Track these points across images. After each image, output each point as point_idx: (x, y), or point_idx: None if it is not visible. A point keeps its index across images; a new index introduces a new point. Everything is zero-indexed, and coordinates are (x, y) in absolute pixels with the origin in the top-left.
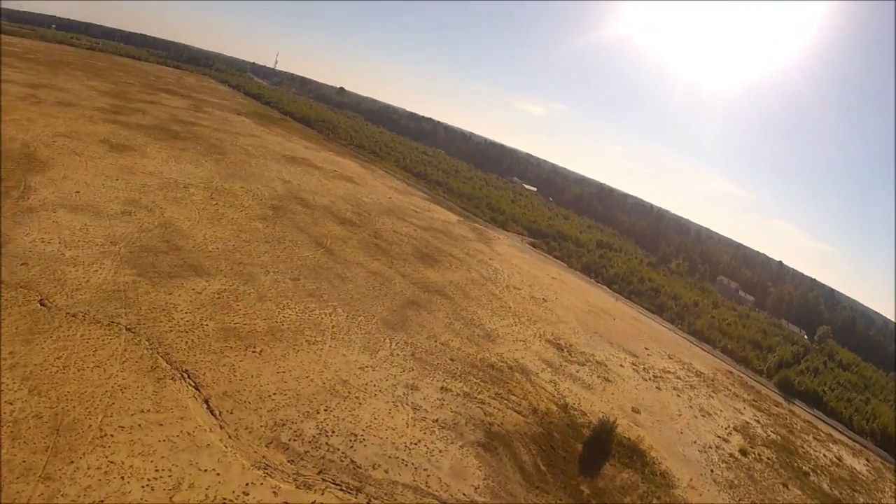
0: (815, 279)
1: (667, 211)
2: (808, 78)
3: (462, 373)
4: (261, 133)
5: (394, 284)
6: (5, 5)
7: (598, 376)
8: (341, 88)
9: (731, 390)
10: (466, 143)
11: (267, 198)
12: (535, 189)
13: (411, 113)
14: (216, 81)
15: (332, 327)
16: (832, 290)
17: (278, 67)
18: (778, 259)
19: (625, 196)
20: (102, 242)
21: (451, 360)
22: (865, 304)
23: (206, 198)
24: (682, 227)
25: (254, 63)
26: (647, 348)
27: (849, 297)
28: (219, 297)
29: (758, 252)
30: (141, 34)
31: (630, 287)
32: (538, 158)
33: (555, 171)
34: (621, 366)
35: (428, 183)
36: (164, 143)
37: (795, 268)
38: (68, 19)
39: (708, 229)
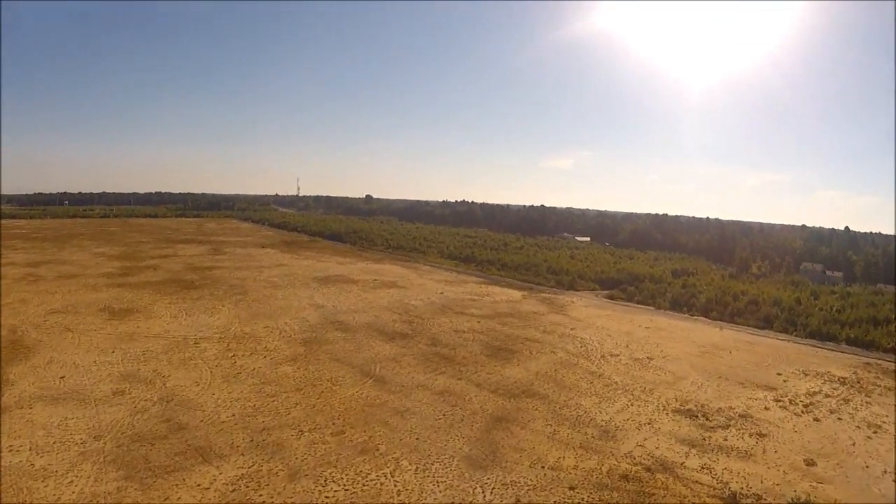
0: (882, 233)
1: (721, 220)
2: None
3: (592, 503)
4: (288, 261)
5: (469, 401)
6: (7, 191)
7: (750, 434)
8: (368, 196)
9: (881, 384)
10: (506, 214)
11: (297, 332)
12: (588, 239)
13: (443, 201)
14: (238, 220)
15: (399, 493)
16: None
17: (301, 193)
18: (843, 227)
19: (677, 217)
20: (83, 439)
21: (572, 488)
22: None
23: (222, 350)
24: (744, 229)
25: (276, 194)
26: (779, 374)
27: None
28: (234, 490)
29: (819, 227)
30: (156, 192)
31: (728, 309)
32: (581, 209)
33: (601, 215)
34: (766, 408)
35: (479, 265)
36: (175, 296)
37: (861, 230)
38: (79, 193)
39: (762, 223)
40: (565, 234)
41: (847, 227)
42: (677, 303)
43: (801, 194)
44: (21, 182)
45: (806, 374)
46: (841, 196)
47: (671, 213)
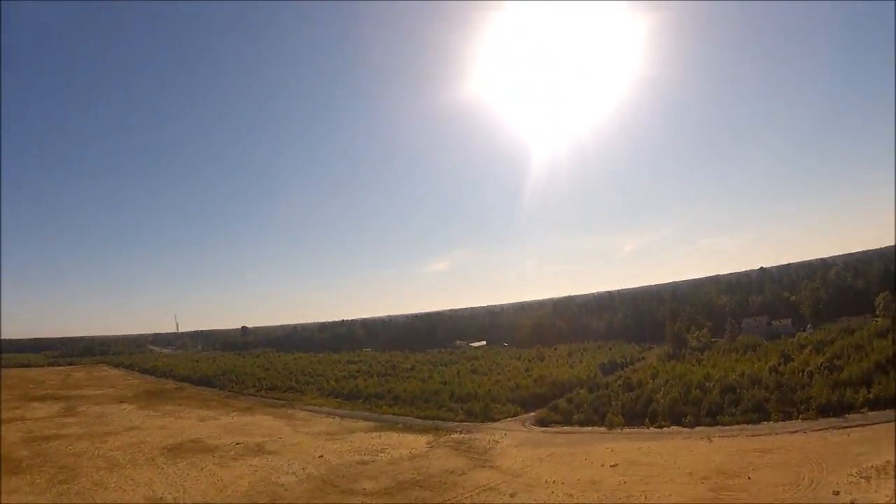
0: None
1: (620, 290)
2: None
3: None
4: (142, 422)
5: None
6: None
7: None
8: (243, 328)
9: None
10: (390, 329)
11: None
12: (484, 343)
13: (322, 323)
14: (110, 367)
15: None
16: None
17: (181, 329)
18: (757, 266)
19: (573, 298)
20: None
21: None
22: None
23: None
24: (654, 296)
25: (156, 333)
26: (835, 491)
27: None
28: None
29: (708, 276)
30: (36, 339)
31: (702, 407)
32: (467, 309)
33: (491, 313)
34: None
35: (367, 401)
36: None
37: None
38: None
39: (658, 284)
40: (458, 341)
41: (762, 268)
42: (633, 413)
43: (684, 246)
44: None
45: (866, 477)
46: (722, 240)
47: (560, 294)
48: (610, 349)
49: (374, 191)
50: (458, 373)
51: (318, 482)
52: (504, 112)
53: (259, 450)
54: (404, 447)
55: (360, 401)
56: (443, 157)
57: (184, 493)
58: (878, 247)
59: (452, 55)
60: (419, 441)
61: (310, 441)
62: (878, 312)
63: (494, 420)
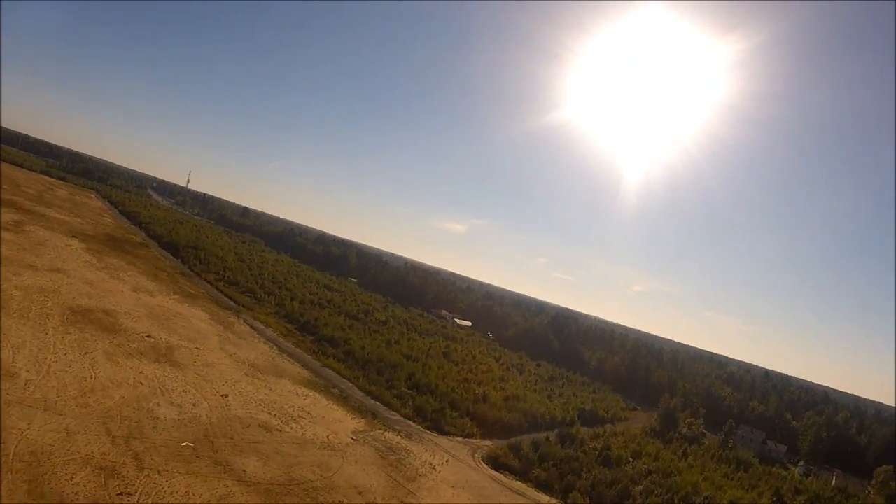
0: (826, 388)
1: (622, 328)
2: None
3: None
4: (75, 267)
5: None
6: None
7: None
8: (245, 209)
9: None
10: (383, 271)
11: None
12: (469, 324)
13: (321, 234)
14: (98, 196)
15: None
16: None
17: (191, 186)
18: (763, 365)
19: (575, 319)
20: None
21: None
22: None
23: None
24: (654, 353)
25: (164, 180)
26: None
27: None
28: None
29: (703, 350)
30: (49, 143)
31: None
32: (466, 279)
33: (489, 296)
34: None
35: (317, 343)
36: None
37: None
38: None
39: (650, 334)
40: (444, 312)
41: (766, 372)
42: (602, 500)
43: (687, 310)
44: None
45: None
46: (725, 320)
47: (556, 303)
48: (594, 393)
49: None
50: (429, 350)
51: (198, 433)
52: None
53: (165, 355)
54: (324, 427)
55: (311, 339)
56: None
57: (44, 374)
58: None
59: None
60: (346, 425)
61: (227, 368)
62: (874, 483)
63: (444, 433)
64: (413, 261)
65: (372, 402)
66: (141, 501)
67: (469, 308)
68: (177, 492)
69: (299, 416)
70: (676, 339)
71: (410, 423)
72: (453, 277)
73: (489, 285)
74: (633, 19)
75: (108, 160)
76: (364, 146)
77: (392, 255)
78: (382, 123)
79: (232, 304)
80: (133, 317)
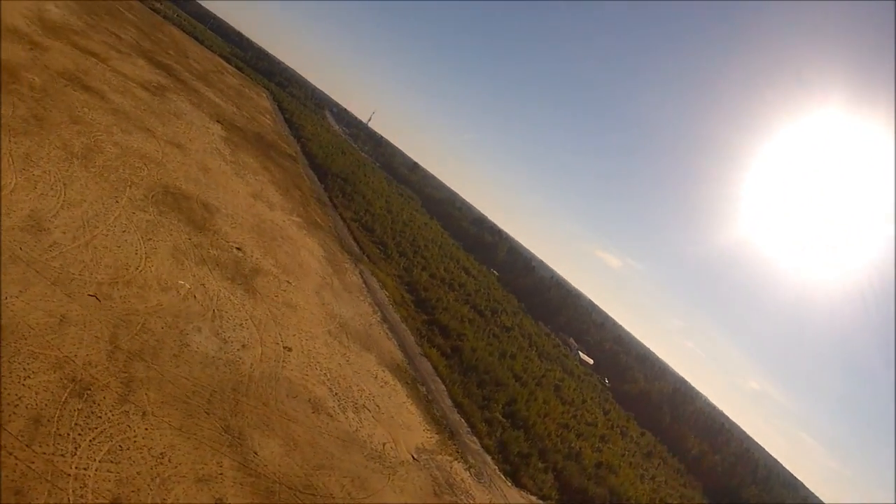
0: None
1: (725, 417)
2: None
3: None
4: (200, 148)
5: None
6: None
7: None
8: (415, 164)
9: None
10: (527, 275)
11: None
12: (591, 362)
13: (480, 216)
14: (269, 97)
15: None
16: None
17: (371, 125)
18: None
19: (690, 395)
20: None
21: None
22: None
23: None
24: (751, 465)
25: (346, 109)
26: None
27: None
28: None
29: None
30: (241, 33)
31: None
32: (602, 312)
33: (619, 340)
34: None
35: (429, 325)
36: None
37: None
38: None
39: (751, 438)
40: (571, 340)
41: None
42: None
43: (790, 425)
44: None
45: None
46: (813, 446)
47: (678, 367)
48: (684, 487)
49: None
50: (542, 377)
51: (226, 382)
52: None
53: (245, 277)
54: (387, 429)
55: (424, 319)
56: None
57: (81, 244)
58: None
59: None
60: (414, 436)
61: (311, 317)
62: None
63: (519, 484)
64: (559, 275)
65: (457, 416)
66: (88, 443)
67: (596, 345)
68: (149, 448)
69: (363, 406)
70: (770, 451)
71: (488, 458)
72: (591, 308)
73: (621, 327)
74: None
75: (294, 69)
76: (555, 148)
77: (541, 261)
78: (576, 133)
79: (356, 249)
80: (234, 222)
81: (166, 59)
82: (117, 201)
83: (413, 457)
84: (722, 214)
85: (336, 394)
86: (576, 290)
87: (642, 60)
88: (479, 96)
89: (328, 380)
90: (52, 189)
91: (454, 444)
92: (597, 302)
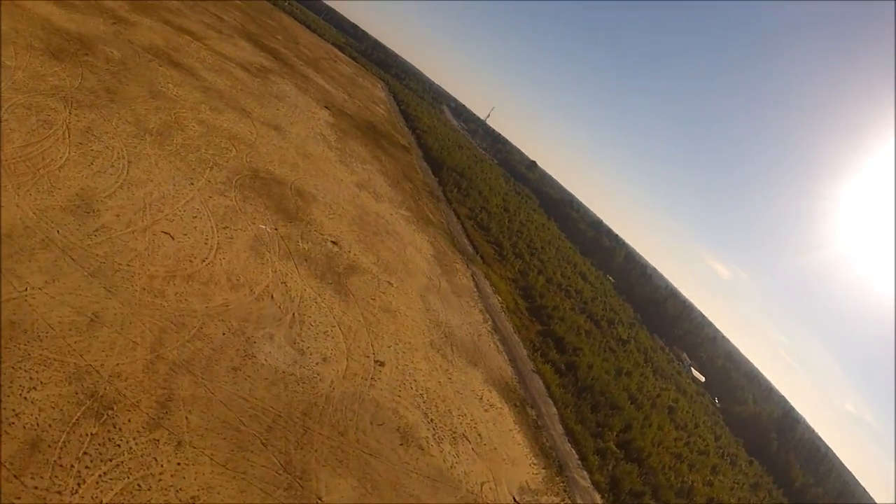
0: None
1: (828, 446)
2: None
3: None
4: (302, 132)
5: None
6: None
7: None
8: (533, 163)
9: None
10: (644, 284)
11: None
12: (703, 380)
13: (597, 220)
14: (385, 88)
15: None
16: None
17: (489, 122)
18: None
19: (796, 420)
20: None
21: None
22: None
23: None
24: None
25: (463, 104)
26: None
27: None
28: None
29: None
30: (354, 24)
31: None
32: (711, 325)
33: (729, 356)
34: None
35: (543, 336)
36: None
37: None
38: None
39: (847, 468)
40: (685, 356)
41: None
42: None
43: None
44: None
45: None
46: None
47: (781, 386)
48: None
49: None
50: (657, 398)
51: (294, 405)
52: None
53: (338, 275)
54: (488, 465)
55: (538, 329)
56: None
57: (136, 229)
58: None
59: None
60: (518, 472)
61: (412, 325)
62: None
63: None
64: (671, 284)
65: (567, 446)
66: (96, 478)
67: (709, 362)
68: (178, 490)
69: (463, 435)
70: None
71: (598, 497)
72: (702, 320)
73: (729, 342)
74: None
75: (411, 62)
76: (664, 150)
77: (654, 268)
78: (687, 139)
79: (469, 248)
80: (332, 212)
81: (273, 42)
82: (192, 183)
83: (515, 499)
84: (832, 225)
85: (432, 420)
86: (689, 300)
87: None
88: (599, 93)
89: (424, 402)
90: (112, 166)
91: (562, 482)
92: (706, 313)
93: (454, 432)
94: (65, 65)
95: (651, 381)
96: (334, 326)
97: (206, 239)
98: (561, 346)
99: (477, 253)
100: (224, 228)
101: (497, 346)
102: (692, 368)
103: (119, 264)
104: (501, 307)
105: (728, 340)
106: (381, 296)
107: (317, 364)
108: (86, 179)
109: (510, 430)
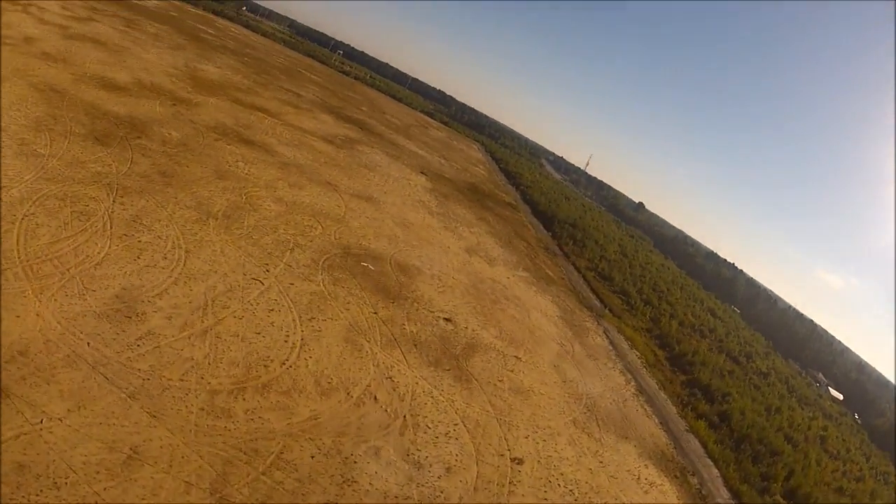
0: None
1: None
2: None
3: None
4: (398, 200)
5: None
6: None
7: None
8: (640, 204)
9: None
10: (770, 309)
11: None
12: (841, 398)
13: (711, 252)
14: (482, 149)
15: None
16: None
17: (588, 170)
18: None
19: None
20: None
21: None
22: None
23: None
24: None
25: (560, 157)
26: None
27: None
28: None
29: None
30: (440, 90)
31: None
32: (837, 341)
33: (860, 368)
34: None
35: (689, 387)
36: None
37: None
38: (361, 51)
39: None
40: (820, 376)
41: None
42: None
43: None
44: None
45: None
46: None
47: None
48: None
49: None
50: (808, 431)
51: None
52: None
53: (457, 358)
54: None
55: (683, 380)
56: None
57: (193, 331)
58: None
59: None
60: None
61: (550, 403)
62: None
63: None
64: (787, 302)
65: None
66: None
67: (842, 377)
68: None
69: None
70: None
71: None
72: (827, 336)
73: (853, 352)
74: None
75: (501, 121)
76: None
77: (771, 290)
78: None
79: (596, 302)
80: (441, 284)
81: (357, 114)
82: (268, 270)
83: None
84: None
85: None
86: (808, 317)
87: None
88: (687, 130)
89: (575, 500)
90: (164, 258)
91: None
92: (827, 327)
93: None
94: (111, 150)
95: (799, 413)
96: (457, 424)
97: (287, 336)
98: (709, 395)
99: (605, 306)
100: (310, 320)
101: (645, 410)
102: (829, 388)
103: (169, 380)
104: (641, 362)
105: (852, 351)
106: (510, 375)
107: (439, 478)
108: (129, 277)
109: None
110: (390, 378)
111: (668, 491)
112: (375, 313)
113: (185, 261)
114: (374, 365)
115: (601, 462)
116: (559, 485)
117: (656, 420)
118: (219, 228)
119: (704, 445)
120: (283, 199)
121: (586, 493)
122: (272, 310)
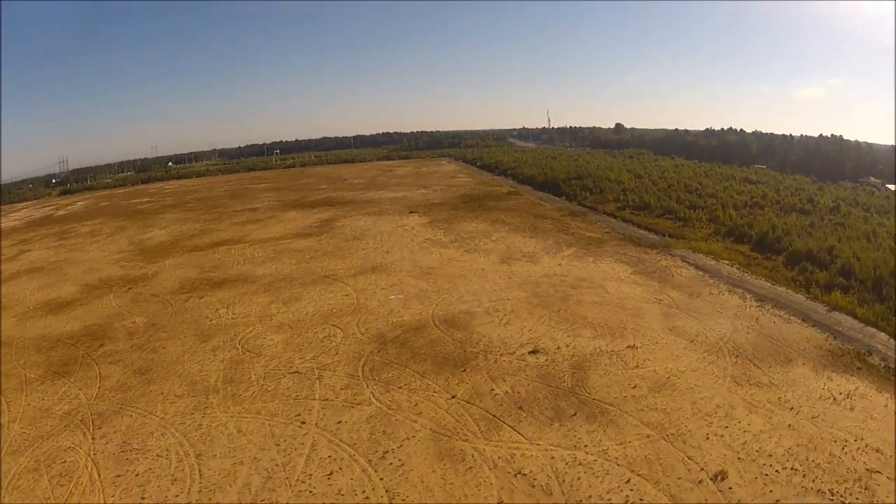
0: None
1: None
2: None
3: None
4: (404, 256)
5: None
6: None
7: None
8: (618, 125)
9: None
10: (791, 149)
11: None
12: (893, 188)
13: (707, 129)
14: (451, 160)
15: None
16: None
17: (553, 124)
18: None
19: None
20: None
21: None
22: None
23: None
24: None
25: (523, 127)
26: None
27: None
28: None
29: None
30: (385, 133)
31: None
32: (865, 142)
33: (890, 150)
34: None
35: (792, 264)
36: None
37: None
38: (295, 140)
39: None
40: (872, 179)
41: None
42: None
43: None
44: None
45: None
46: None
47: None
48: None
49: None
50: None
51: None
52: None
53: (564, 399)
54: None
55: (782, 260)
56: None
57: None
58: None
59: None
60: None
61: (699, 378)
62: None
63: None
64: (805, 134)
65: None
66: None
67: (888, 171)
68: None
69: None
70: None
71: None
72: (858, 145)
73: (879, 144)
74: None
75: (454, 128)
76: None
77: (793, 135)
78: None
79: (652, 235)
80: (499, 315)
81: (320, 194)
82: (303, 422)
83: None
84: None
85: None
86: (825, 134)
87: None
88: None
89: (800, 473)
90: (173, 481)
91: None
92: (839, 133)
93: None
94: (74, 376)
95: (890, 224)
96: (628, 479)
97: (367, 497)
98: (815, 260)
99: (662, 235)
100: (382, 458)
101: (780, 317)
102: (886, 186)
103: None
104: (737, 269)
105: (879, 144)
106: (638, 372)
107: None
108: None
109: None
110: (520, 473)
111: (866, 391)
112: (453, 397)
113: (199, 470)
114: (489, 468)
115: (791, 408)
116: (777, 470)
117: (797, 320)
118: (224, 403)
119: (854, 314)
120: (283, 323)
121: (805, 458)
122: (331, 473)
